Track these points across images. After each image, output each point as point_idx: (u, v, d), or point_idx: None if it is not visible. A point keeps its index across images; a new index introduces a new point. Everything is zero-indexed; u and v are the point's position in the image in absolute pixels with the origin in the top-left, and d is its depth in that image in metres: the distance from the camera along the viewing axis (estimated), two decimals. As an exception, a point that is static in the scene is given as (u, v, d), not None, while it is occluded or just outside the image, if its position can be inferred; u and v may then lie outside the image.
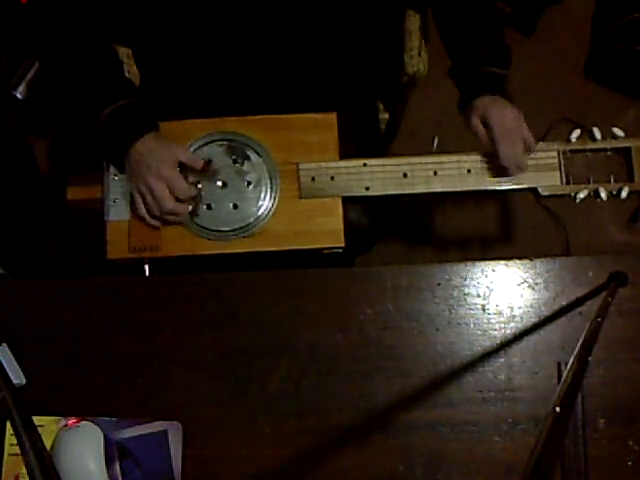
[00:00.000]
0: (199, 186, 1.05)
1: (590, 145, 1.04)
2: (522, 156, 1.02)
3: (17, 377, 0.95)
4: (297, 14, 1.04)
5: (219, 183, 1.06)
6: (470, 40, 1.07)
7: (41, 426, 0.94)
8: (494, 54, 1.07)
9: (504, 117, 1.01)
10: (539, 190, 1.05)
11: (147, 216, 1.02)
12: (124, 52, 1.25)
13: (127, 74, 1.24)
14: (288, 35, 1.07)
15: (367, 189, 1.06)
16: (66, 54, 1.02)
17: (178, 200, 1.01)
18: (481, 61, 1.06)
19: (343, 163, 1.06)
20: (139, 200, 1.01)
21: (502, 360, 0.96)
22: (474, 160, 1.05)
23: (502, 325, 0.97)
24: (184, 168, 1.02)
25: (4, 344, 0.96)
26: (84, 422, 0.94)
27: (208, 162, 1.04)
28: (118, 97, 1.00)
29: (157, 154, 0.99)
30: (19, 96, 1.84)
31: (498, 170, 1.04)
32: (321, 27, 1.08)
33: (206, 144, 1.06)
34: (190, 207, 1.03)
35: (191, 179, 1.04)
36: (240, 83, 1.12)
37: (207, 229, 1.04)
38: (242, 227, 1.05)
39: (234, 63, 1.09)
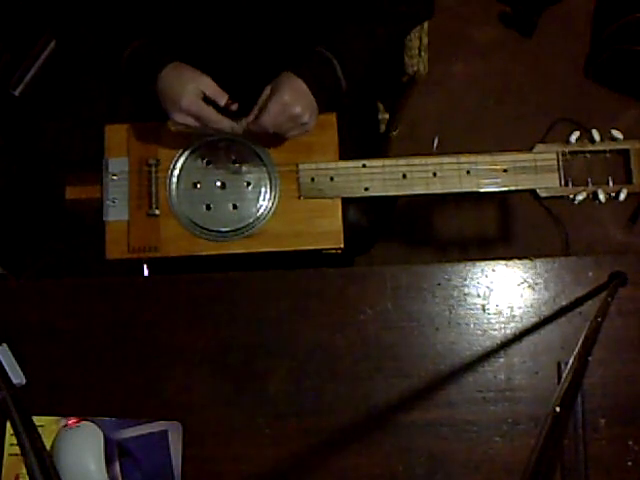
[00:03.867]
0: (199, 186, 1.05)
1: (589, 147, 1.04)
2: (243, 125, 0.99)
3: (17, 377, 0.95)
4: (297, 13, 1.05)
5: (218, 183, 1.06)
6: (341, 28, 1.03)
7: (41, 426, 0.94)
8: (342, 45, 1.02)
9: (285, 110, 0.96)
10: (538, 192, 1.05)
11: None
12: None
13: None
14: (288, 33, 1.07)
15: (366, 190, 1.06)
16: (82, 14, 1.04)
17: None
18: (328, 41, 1.02)
19: (342, 164, 1.06)
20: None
21: (502, 360, 0.96)
22: (473, 161, 1.05)
23: (502, 325, 0.97)
24: (207, 101, 0.98)
25: (4, 344, 0.96)
26: (84, 422, 0.94)
27: (234, 102, 0.99)
28: (137, 36, 1.01)
29: (178, 87, 0.96)
30: (19, 96, 1.84)
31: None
32: (321, 26, 1.08)
33: (206, 144, 1.06)
34: (234, 123, 0.99)
35: (195, 177, 1.04)
36: (239, 78, 1.12)
37: (206, 229, 1.05)
38: (241, 227, 1.05)
39: (233, 59, 1.09)
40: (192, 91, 0.96)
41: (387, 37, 1.08)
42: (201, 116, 0.96)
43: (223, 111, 0.98)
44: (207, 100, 0.97)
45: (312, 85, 0.99)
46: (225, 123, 0.98)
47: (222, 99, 0.98)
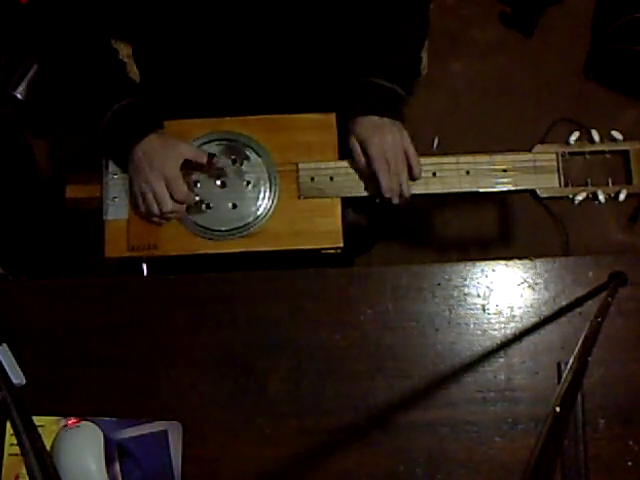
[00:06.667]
0: (199, 185, 1.05)
1: (589, 147, 1.04)
2: (405, 184, 1.02)
3: (17, 377, 0.95)
4: (295, 16, 1.05)
5: (218, 183, 1.06)
6: (371, 48, 1.06)
7: (41, 426, 0.94)
8: (387, 66, 1.05)
9: (384, 146, 1.00)
10: (537, 192, 1.05)
11: (145, 214, 1.02)
12: (124, 52, 1.25)
13: (128, 74, 1.23)
14: (287, 35, 1.07)
15: (366, 189, 1.06)
16: (67, 56, 1.02)
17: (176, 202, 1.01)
18: (371, 71, 1.04)
19: (342, 163, 1.06)
20: (139, 198, 1.01)
21: (502, 360, 0.96)
22: (473, 161, 1.05)
23: (502, 325, 0.97)
24: (189, 165, 1.02)
25: (4, 344, 0.96)
26: (84, 422, 0.94)
27: (212, 156, 1.03)
28: (121, 96, 1.01)
29: (161, 153, 0.99)
30: (19, 96, 1.83)
31: (379, 193, 1.03)
32: (320, 27, 1.08)
33: (205, 144, 1.06)
34: (186, 205, 1.02)
35: (194, 176, 1.04)
36: (241, 82, 1.12)
37: (206, 228, 1.04)
38: (241, 227, 1.04)
39: (234, 62, 1.09)
40: (175, 157, 0.99)
41: (416, 30, 1.09)
42: (173, 187, 0.99)
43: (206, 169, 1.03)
44: (188, 165, 1.01)
45: (393, 113, 1.02)
46: (179, 208, 1.01)
47: (203, 158, 1.01)
